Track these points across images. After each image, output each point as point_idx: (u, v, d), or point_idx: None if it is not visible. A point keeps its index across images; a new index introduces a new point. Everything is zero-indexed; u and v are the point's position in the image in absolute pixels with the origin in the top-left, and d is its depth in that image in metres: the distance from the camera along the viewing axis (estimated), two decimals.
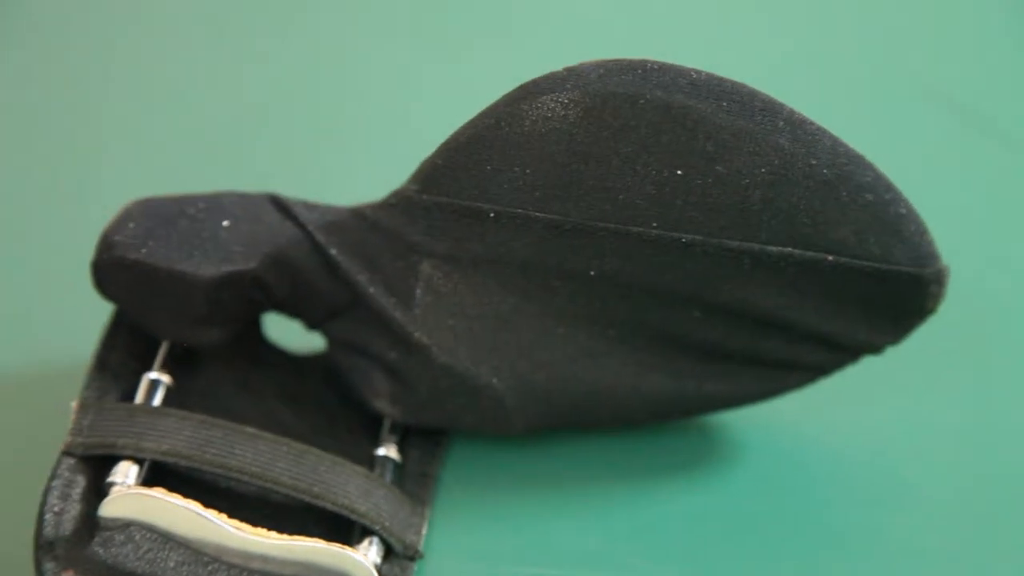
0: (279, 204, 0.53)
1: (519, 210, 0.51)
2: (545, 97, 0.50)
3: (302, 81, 0.75)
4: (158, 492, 0.48)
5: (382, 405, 0.54)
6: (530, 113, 0.50)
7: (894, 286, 0.52)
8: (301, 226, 0.52)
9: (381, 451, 0.54)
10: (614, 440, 0.56)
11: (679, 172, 0.50)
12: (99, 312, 0.54)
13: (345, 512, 0.50)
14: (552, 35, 0.78)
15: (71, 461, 0.49)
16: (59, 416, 0.51)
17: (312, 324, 0.54)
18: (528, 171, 0.50)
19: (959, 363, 0.61)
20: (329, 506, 0.50)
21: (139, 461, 0.49)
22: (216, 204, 0.52)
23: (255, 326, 0.56)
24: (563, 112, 0.50)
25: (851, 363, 0.54)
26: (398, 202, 0.52)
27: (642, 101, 0.49)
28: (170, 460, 0.50)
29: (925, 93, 0.75)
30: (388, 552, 0.51)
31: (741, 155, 0.50)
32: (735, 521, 0.55)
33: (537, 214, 0.51)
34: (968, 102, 0.74)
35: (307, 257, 0.52)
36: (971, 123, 0.73)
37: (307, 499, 0.50)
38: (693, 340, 0.53)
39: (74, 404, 0.51)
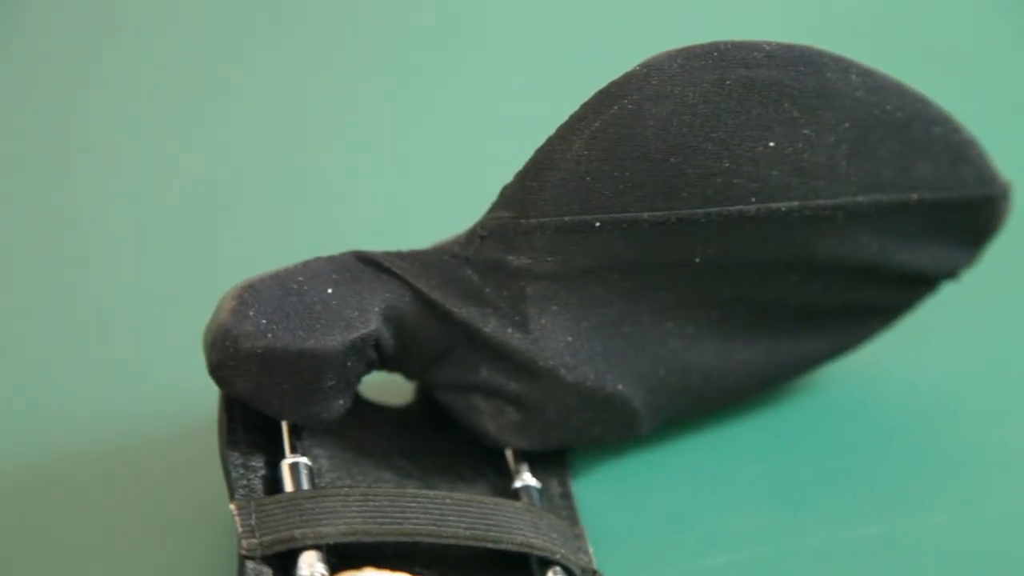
0: (368, 260, 0.52)
1: (624, 214, 0.51)
2: (633, 97, 0.50)
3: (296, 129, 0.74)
4: (369, 572, 0.47)
5: (509, 438, 0.53)
6: (621, 116, 0.50)
7: (969, 210, 0.54)
8: (398, 277, 0.51)
9: (518, 481, 0.53)
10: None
11: (771, 144, 0.51)
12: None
13: (525, 550, 0.50)
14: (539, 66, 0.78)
15: (253, 564, 0.47)
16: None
17: (415, 374, 0.53)
18: (627, 174, 0.50)
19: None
20: (510, 547, 0.49)
21: (320, 548, 0.48)
22: (312, 274, 0.51)
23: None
24: (654, 109, 0.50)
25: (932, 294, 0.56)
26: (490, 233, 0.51)
27: (728, 82, 0.50)
28: (351, 539, 0.48)
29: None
30: None
31: (824, 115, 0.51)
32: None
33: (642, 214, 0.51)
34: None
35: (412, 307, 0.51)
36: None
37: (488, 545, 0.49)
38: (791, 304, 0.54)
39: (232, 507, 0.49)
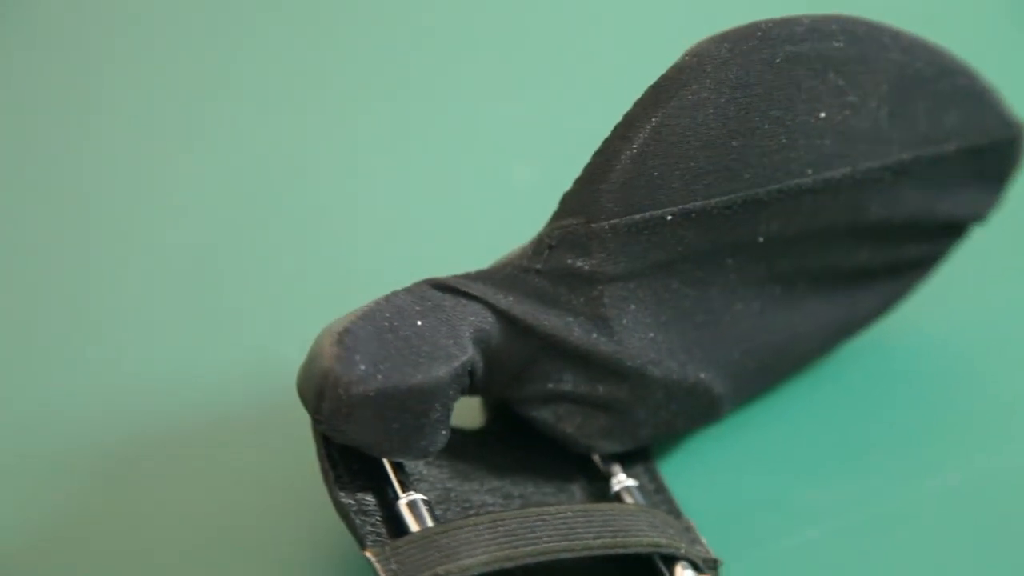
0: (443, 287, 0.51)
1: (693, 204, 0.51)
2: (692, 87, 0.50)
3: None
4: None
5: (598, 443, 0.53)
6: (681, 108, 0.50)
7: (995, 153, 0.56)
8: (478, 299, 0.51)
9: (616, 484, 0.53)
10: None
11: (822, 115, 0.52)
12: None
13: (654, 550, 0.50)
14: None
15: None
16: None
17: (497, 393, 0.53)
18: (692, 163, 0.51)
19: None
20: (640, 549, 0.49)
21: None
22: (396, 309, 0.50)
23: None
24: (712, 96, 0.50)
25: (963, 240, 0.58)
26: (560, 241, 0.51)
27: (778, 60, 0.51)
28: (494, 567, 0.48)
29: None
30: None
31: (865, 80, 0.52)
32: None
33: (710, 201, 0.51)
34: None
35: (495, 327, 0.51)
36: None
37: (620, 551, 0.49)
38: (844, 268, 0.55)
39: (369, 555, 0.48)
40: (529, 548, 0.48)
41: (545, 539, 0.49)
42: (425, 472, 0.52)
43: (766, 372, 0.55)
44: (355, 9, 0.80)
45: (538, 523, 0.49)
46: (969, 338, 0.61)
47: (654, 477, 0.54)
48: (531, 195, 0.67)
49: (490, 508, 0.52)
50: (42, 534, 0.53)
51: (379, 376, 0.48)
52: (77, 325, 0.62)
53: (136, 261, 0.65)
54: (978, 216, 0.57)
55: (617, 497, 0.53)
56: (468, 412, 0.56)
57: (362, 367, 0.48)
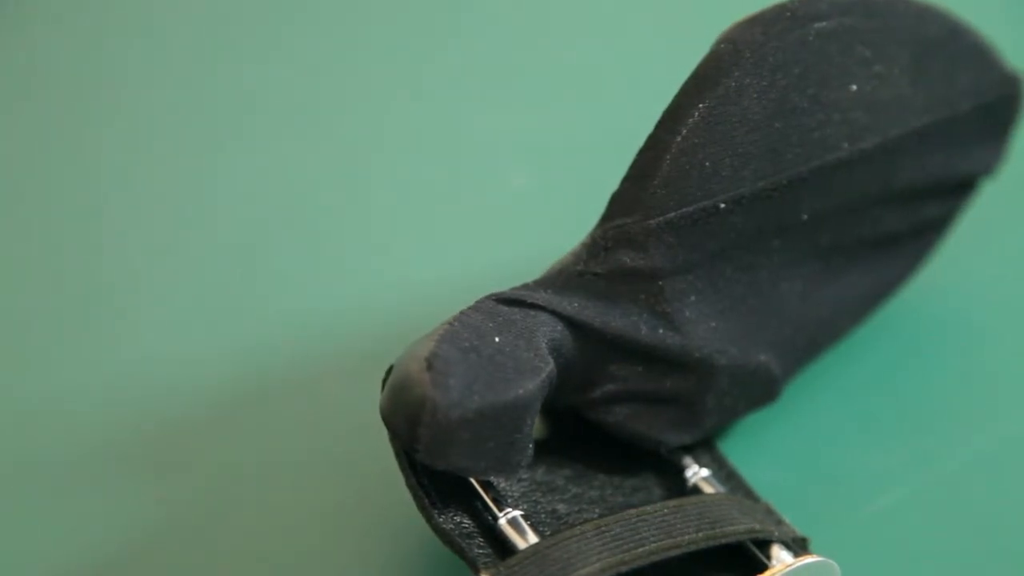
0: (508, 300, 0.50)
1: (743, 189, 0.51)
2: (734, 74, 0.50)
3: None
4: None
5: (667, 436, 0.53)
6: (726, 95, 0.50)
7: (1001, 107, 0.58)
8: (544, 309, 0.50)
9: (691, 475, 0.53)
10: None
11: (853, 88, 0.52)
12: None
13: (752, 535, 0.50)
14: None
15: None
16: None
17: (564, 400, 0.52)
18: (740, 149, 0.51)
19: None
20: (740, 537, 0.50)
21: None
22: (473, 328, 0.49)
23: None
24: (754, 80, 0.51)
25: (975, 196, 0.59)
26: (614, 242, 0.51)
27: (810, 37, 0.51)
28: (611, 573, 0.47)
29: None
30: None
31: (888, 49, 0.53)
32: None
33: (757, 184, 0.51)
34: None
35: (565, 335, 0.50)
36: None
37: (723, 541, 0.49)
38: (873, 235, 0.56)
39: None
40: (639, 549, 0.48)
41: (651, 539, 0.48)
42: (508, 488, 0.52)
43: (814, 347, 0.56)
44: (353, 18, 0.79)
45: (640, 524, 0.49)
46: (1009, 296, 0.62)
47: (723, 464, 0.55)
48: (527, 202, 0.67)
49: (578, 516, 0.51)
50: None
51: (475, 397, 0.47)
52: (98, 324, 0.62)
53: (149, 264, 0.65)
54: (988, 170, 0.59)
55: (695, 488, 0.53)
56: None
57: (457, 390, 0.47)
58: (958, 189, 0.58)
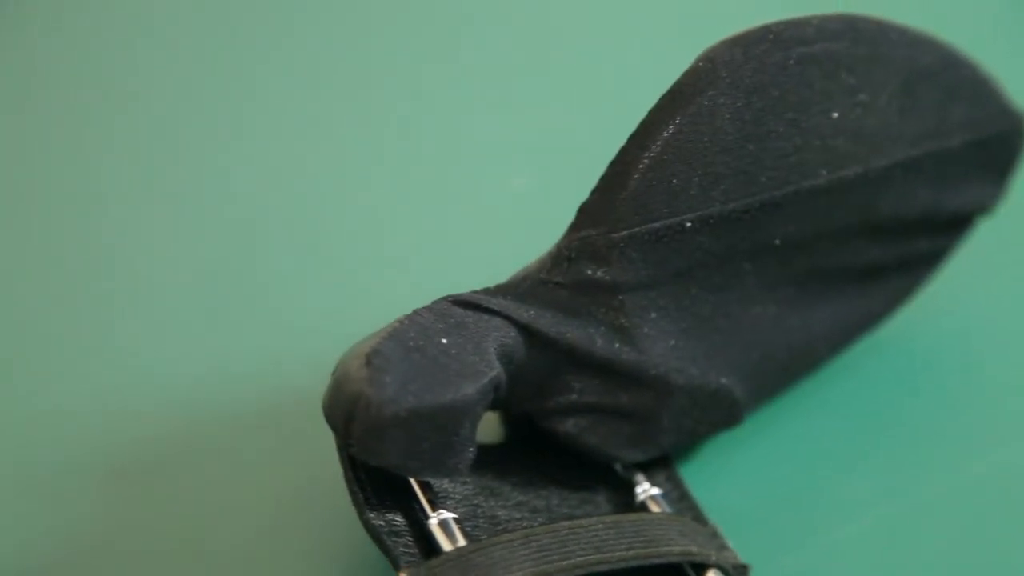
0: (464, 303, 0.50)
1: (711, 209, 0.51)
2: (708, 93, 0.50)
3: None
4: None
5: (622, 452, 0.53)
6: (698, 114, 0.50)
7: (1000, 144, 0.56)
8: (499, 315, 0.50)
9: (641, 492, 0.53)
10: None
11: (835, 114, 0.52)
12: None
13: (687, 558, 0.49)
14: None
15: None
16: None
17: (518, 407, 0.52)
18: (710, 169, 0.50)
19: None
20: (673, 558, 0.49)
21: None
22: (420, 328, 0.49)
23: None
24: (728, 100, 0.50)
25: (970, 232, 0.58)
26: (578, 252, 0.51)
27: (791, 62, 0.51)
28: None
29: None
30: None
31: (876, 77, 0.52)
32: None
33: (727, 206, 0.51)
34: None
35: (519, 341, 0.50)
36: None
37: (653, 560, 0.49)
38: (857, 266, 0.55)
39: (404, 575, 0.47)
40: (564, 563, 0.48)
41: (578, 552, 0.48)
42: (451, 489, 0.52)
43: (784, 373, 0.55)
44: (353, 20, 0.79)
45: (570, 537, 0.49)
46: (989, 329, 0.61)
47: (677, 484, 0.54)
48: (527, 205, 0.67)
49: (518, 523, 0.51)
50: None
51: (410, 396, 0.47)
52: (90, 328, 0.62)
53: (149, 263, 0.65)
54: (984, 208, 0.58)
55: (643, 506, 0.53)
56: (487, 427, 0.55)
57: (393, 388, 0.47)
58: (951, 225, 0.57)
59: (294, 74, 0.76)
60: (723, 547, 0.51)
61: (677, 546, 0.50)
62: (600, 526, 0.49)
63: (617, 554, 0.49)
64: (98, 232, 0.66)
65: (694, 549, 0.50)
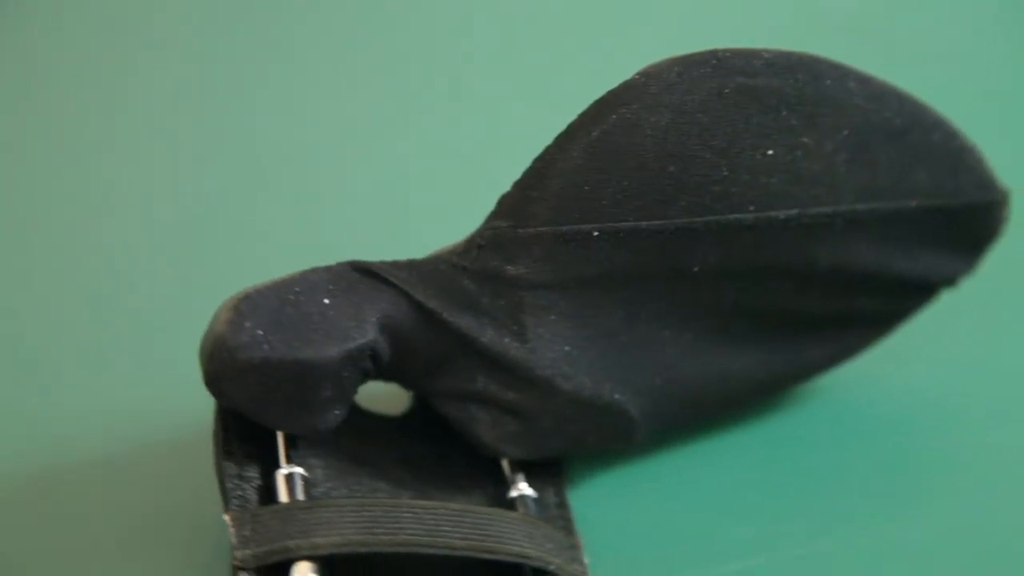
0: (365, 270, 0.51)
1: (622, 223, 0.50)
2: (632, 106, 0.49)
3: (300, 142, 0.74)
4: None
5: (505, 447, 0.53)
6: (619, 125, 0.49)
7: (968, 217, 0.54)
8: (394, 287, 0.51)
9: (514, 491, 0.53)
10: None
11: (770, 152, 0.50)
12: None
13: (520, 560, 0.49)
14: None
15: (247, 575, 0.47)
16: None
17: (411, 383, 0.53)
18: (625, 183, 0.50)
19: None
20: (505, 558, 0.49)
21: (313, 558, 0.48)
22: (309, 285, 0.50)
23: None
24: (652, 117, 0.49)
25: (931, 302, 0.56)
26: (488, 242, 0.51)
27: (727, 90, 0.50)
28: (346, 550, 0.48)
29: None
30: None
31: (823, 122, 0.51)
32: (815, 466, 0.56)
33: (640, 223, 0.50)
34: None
35: (409, 316, 0.51)
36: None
37: (484, 556, 0.49)
38: (790, 312, 0.54)
39: (227, 517, 0.48)
40: (387, 537, 0.48)
41: (407, 531, 0.48)
42: (324, 451, 0.52)
43: (692, 404, 0.54)
44: (354, 18, 0.81)
45: (406, 514, 0.49)
46: (920, 392, 0.59)
47: (559, 492, 0.54)
48: None
49: (380, 495, 0.52)
50: None
51: (265, 346, 0.49)
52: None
53: (148, 264, 0.67)
54: (947, 280, 0.56)
55: (511, 505, 0.52)
56: (401, 400, 0.56)
57: (250, 335, 0.49)
58: (905, 290, 0.55)
59: (294, 71, 0.78)
60: (574, 560, 0.51)
61: (515, 547, 0.49)
62: (443, 512, 0.49)
63: (448, 541, 0.49)
64: (99, 232, 0.68)
65: (531, 553, 0.49)
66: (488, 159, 0.62)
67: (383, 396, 0.55)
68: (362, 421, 0.54)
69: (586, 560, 0.51)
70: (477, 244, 0.51)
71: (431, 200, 0.69)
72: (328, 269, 0.51)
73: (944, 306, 0.57)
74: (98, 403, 0.59)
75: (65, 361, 0.61)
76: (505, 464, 0.54)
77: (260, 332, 0.49)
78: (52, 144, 0.73)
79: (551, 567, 0.49)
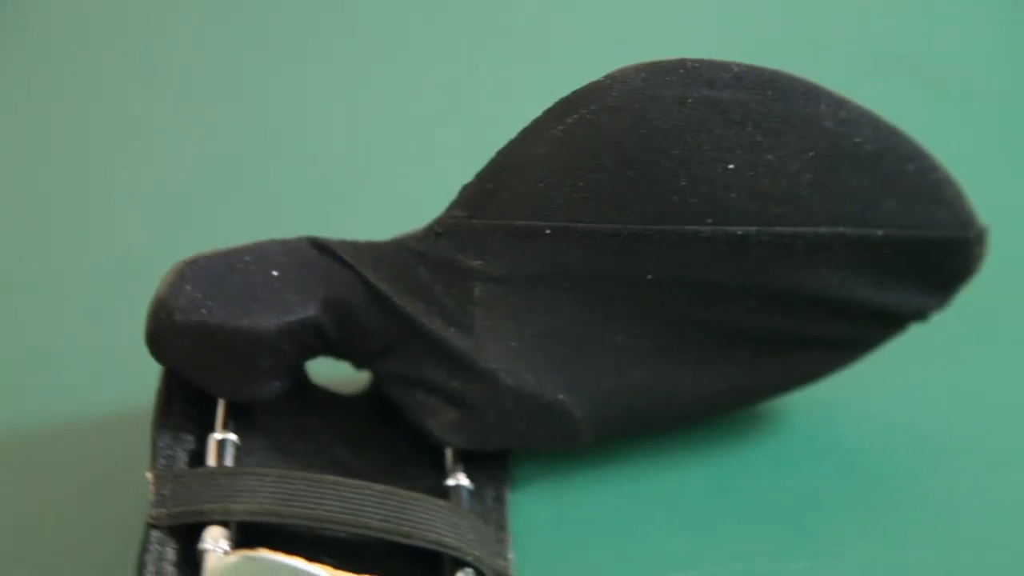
0: (321, 247, 0.52)
1: (575, 224, 0.50)
2: (592, 107, 0.49)
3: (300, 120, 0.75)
4: (263, 553, 0.47)
5: (447, 436, 0.53)
6: (579, 125, 0.49)
7: (940, 251, 0.53)
8: (348, 266, 0.51)
9: (451, 480, 0.53)
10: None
11: (731, 166, 0.50)
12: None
13: (437, 548, 0.49)
14: (547, 48, 0.78)
15: (159, 533, 0.48)
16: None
17: (362, 363, 0.53)
18: (581, 184, 0.50)
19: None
20: (421, 544, 0.49)
21: (227, 524, 0.48)
22: (261, 255, 0.51)
23: (302, 372, 0.54)
24: (611, 120, 0.49)
25: (900, 333, 0.55)
26: (445, 230, 0.51)
27: (690, 100, 0.49)
28: (260, 519, 0.48)
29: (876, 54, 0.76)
30: None
31: (789, 141, 0.50)
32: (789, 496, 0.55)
33: (593, 225, 0.50)
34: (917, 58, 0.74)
35: (359, 297, 0.51)
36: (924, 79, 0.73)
37: (399, 539, 0.49)
38: (749, 330, 0.53)
39: (149, 475, 0.49)
40: (302, 511, 0.49)
41: (325, 507, 0.49)
42: (267, 422, 0.53)
43: (639, 414, 0.54)
44: (353, 17, 0.81)
45: (328, 491, 0.49)
46: (881, 420, 0.58)
47: (499, 487, 0.54)
48: None
49: (308, 470, 0.52)
50: None
51: (203, 310, 0.49)
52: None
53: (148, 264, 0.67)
54: (916, 314, 0.54)
55: (444, 493, 0.53)
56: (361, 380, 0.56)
57: (189, 298, 0.49)
58: (871, 319, 0.54)
59: (294, 70, 0.78)
60: (499, 555, 0.51)
61: (433, 534, 0.49)
62: (367, 492, 0.50)
63: (364, 520, 0.49)
64: (97, 225, 0.69)
65: (449, 542, 0.49)
66: (486, 154, 0.62)
67: (345, 375, 0.56)
68: (315, 397, 0.55)
69: (511, 556, 0.51)
70: (435, 232, 0.51)
71: (429, 189, 0.68)
72: (285, 242, 0.52)
73: (918, 332, 0.56)
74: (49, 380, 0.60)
75: (65, 356, 0.62)
76: (448, 453, 0.54)
77: (199, 296, 0.49)
78: (52, 142, 0.74)
79: (468, 558, 0.50)
